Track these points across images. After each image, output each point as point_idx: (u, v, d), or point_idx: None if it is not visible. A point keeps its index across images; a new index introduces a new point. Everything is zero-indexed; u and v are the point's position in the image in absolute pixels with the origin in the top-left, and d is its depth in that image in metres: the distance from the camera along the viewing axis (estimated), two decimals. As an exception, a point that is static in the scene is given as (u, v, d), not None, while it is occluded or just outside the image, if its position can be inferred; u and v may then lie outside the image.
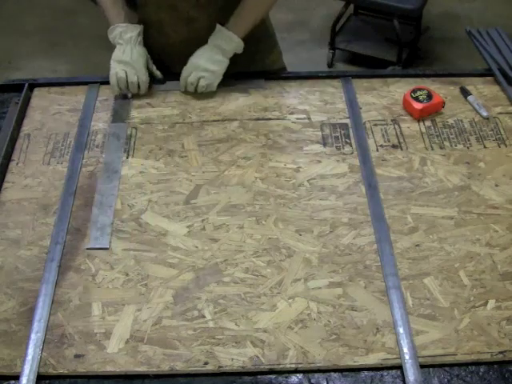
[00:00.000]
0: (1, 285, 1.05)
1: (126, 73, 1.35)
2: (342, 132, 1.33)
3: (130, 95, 1.39)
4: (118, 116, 1.37)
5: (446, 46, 3.18)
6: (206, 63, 1.35)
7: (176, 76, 1.41)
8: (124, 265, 1.08)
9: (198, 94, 1.40)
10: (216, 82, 1.38)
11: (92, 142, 1.31)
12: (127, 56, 1.35)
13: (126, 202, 1.19)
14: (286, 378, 0.94)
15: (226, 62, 1.37)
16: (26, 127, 1.35)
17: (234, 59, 1.39)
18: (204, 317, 1.01)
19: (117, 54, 1.36)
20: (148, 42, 1.42)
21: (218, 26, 1.35)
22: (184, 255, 1.10)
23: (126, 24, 1.36)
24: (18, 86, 1.43)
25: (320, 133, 1.33)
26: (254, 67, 1.51)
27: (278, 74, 1.50)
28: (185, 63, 1.38)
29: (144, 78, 1.36)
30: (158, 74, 1.41)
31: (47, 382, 0.94)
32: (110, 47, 1.40)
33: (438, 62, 3.10)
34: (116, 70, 1.36)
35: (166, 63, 1.41)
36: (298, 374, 0.95)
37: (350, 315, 1.00)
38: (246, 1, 1.33)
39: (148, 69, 1.39)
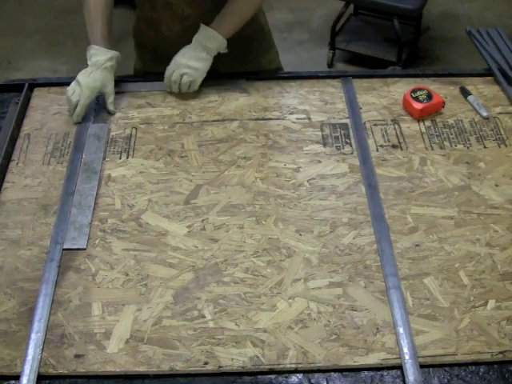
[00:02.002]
0: (1, 285, 1.05)
1: (73, 91, 1.33)
2: (342, 132, 1.33)
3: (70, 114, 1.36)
4: (100, 116, 1.36)
5: (446, 46, 3.18)
6: (189, 61, 1.35)
7: None
8: (124, 265, 1.08)
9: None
10: (199, 79, 1.37)
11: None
12: (83, 77, 1.33)
13: (125, 202, 1.19)
14: (286, 377, 0.94)
15: (209, 60, 1.36)
16: (26, 127, 1.35)
17: (229, 59, 1.38)
18: (204, 317, 1.01)
19: (81, 72, 1.35)
20: (144, 38, 1.41)
21: (202, 25, 1.34)
22: (184, 255, 1.10)
23: (98, 47, 1.34)
24: (18, 86, 1.44)
25: (320, 133, 1.33)
26: (250, 67, 1.51)
27: (273, 74, 1.49)
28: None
29: (83, 102, 1.32)
30: (111, 109, 1.37)
31: (47, 381, 0.94)
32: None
33: (438, 62, 3.10)
34: (70, 87, 1.34)
35: (162, 61, 1.40)
36: (298, 374, 0.95)
37: (350, 315, 1.00)
38: (232, 1, 1.33)
39: (104, 98, 1.36)
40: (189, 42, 1.36)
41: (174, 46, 1.38)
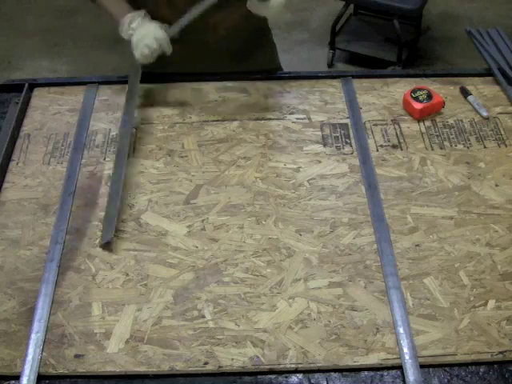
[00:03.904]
0: (1, 285, 1.05)
1: (149, 45, 1.29)
2: (342, 132, 1.33)
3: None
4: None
5: (446, 46, 3.18)
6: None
7: (174, 76, 1.41)
8: (124, 265, 1.08)
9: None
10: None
11: (92, 142, 1.31)
12: (144, 32, 1.29)
13: (125, 202, 1.19)
14: (286, 377, 0.94)
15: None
16: (26, 127, 1.35)
17: (229, 58, 1.38)
18: (204, 317, 1.01)
19: (135, 38, 1.30)
20: None
21: None
22: (184, 255, 1.10)
23: (130, 14, 1.33)
24: (18, 86, 1.43)
25: (320, 133, 1.33)
26: (249, 66, 1.51)
27: (272, 74, 1.49)
28: (182, 59, 1.37)
29: (166, 45, 1.30)
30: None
31: (47, 381, 0.94)
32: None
33: (438, 62, 3.10)
34: (142, 45, 1.30)
35: (166, 59, 1.39)
36: (298, 374, 0.95)
37: (350, 315, 1.00)
38: None
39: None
40: (191, 39, 1.35)
41: (177, 43, 1.37)
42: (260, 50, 1.55)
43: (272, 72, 1.53)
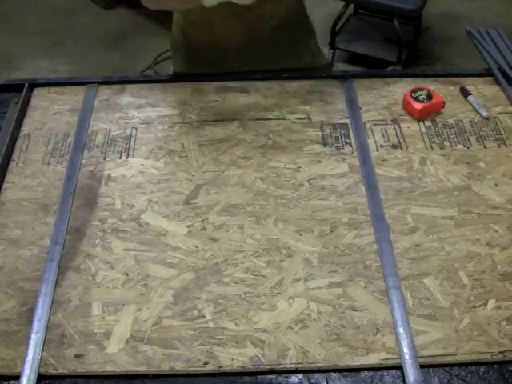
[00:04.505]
0: (1, 285, 1.05)
1: None
2: (342, 132, 1.33)
3: None
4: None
5: (446, 46, 3.18)
6: None
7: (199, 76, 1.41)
8: (124, 265, 1.08)
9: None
10: None
11: (92, 142, 1.31)
12: None
13: (125, 202, 1.19)
14: (286, 377, 0.94)
15: None
16: (26, 127, 1.35)
17: (279, 50, 1.33)
18: (204, 317, 1.01)
19: None
20: (191, 40, 1.35)
21: None
22: (184, 255, 1.10)
23: None
24: (18, 86, 1.43)
25: (320, 133, 1.33)
26: (295, 63, 1.49)
27: (273, 74, 1.49)
28: (240, 56, 1.34)
29: None
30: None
31: (47, 382, 0.94)
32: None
33: (438, 62, 3.11)
34: None
35: (215, 59, 1.35)
36: (298, 374, 0.95)
37: (350, 315, 1.00)
38: None
39: None
40: (249, 35, 1.30)
41: (232, 41, 1.35)
42: (306, 48, 1.54)
43: (318, 70, 1.52)
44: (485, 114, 1.35)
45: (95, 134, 1.33)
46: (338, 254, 1.09)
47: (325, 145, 1.30)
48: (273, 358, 0.95)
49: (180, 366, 0.95)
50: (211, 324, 1.00)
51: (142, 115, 1.38)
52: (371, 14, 3.17)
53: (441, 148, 1.29)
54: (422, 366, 0.94)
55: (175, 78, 1.45)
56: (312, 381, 0.94)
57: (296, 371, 0.95)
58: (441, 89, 1.42)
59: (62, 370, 0.94)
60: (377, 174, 1.23)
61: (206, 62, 1.42)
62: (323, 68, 1.59)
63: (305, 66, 1.53)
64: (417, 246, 1.10)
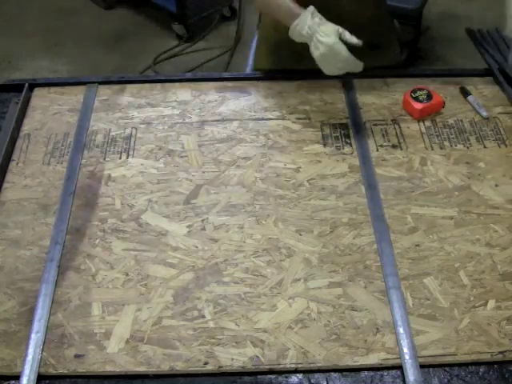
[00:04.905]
0: (1, 285, 1.05)
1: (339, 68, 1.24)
2: (342, 132, 1.33)
3: None
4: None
5: (446, 46, 3.17)
6: None
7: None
8: (124, 265, 1.08)
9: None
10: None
11: (92, 142, 1.31)
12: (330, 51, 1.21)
13: (125, 202, 1.19)
14: (286, 377, 0.94)
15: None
16: (26, 127, 1.35)
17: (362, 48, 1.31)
18: (204, 317, 1.01)
19: (323, 52, 1.22)
20: (283, 36, 1.33)
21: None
22: (184, 255, 1.10)
23: (311, 8, 1.23)
24: (18, 86, 1.43)
25: (320, 133, 1.33)
26: (375, 61, 1.45)
27: (273, 74, 1.49)
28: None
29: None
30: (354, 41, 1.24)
31: (47, 382, 0.94)
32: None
33: (438, 62, 3.10)
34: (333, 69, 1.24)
35: (305, 56, 1.33)
36: (298, 374, 0.95)
37: (350, 315, 1.00)
38: None
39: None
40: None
41: None
42: (387, 46, 1.54)
43: (394, 68, 1.52)
44: (485, 114, 1.35)
45: (95, 134, 1.33)
46: (338, 254, 1.09)
47: (325, 145, 1.30)
48: (273, 358, 0.95)
49: (180, 366, 0.95)
50: (211, 324, 1.00)
51: (142, 115, 1.38)
52: (371, 14, 3.17)
53: (441, 148, 1.29)
54: (421, 366, 0.94)
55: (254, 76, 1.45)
56: (312, 381, 0.94)
57: (296, 371, 0.95)
58: (441, 89, 1.42)
59: (61, 370, 0.94)
60: (377, 173, 1.23)
61: (293, 59, 1.41)
62: (398, 65, 1.59)
63: (388, 63, 1.51)
64: (417, 246, 1.10)
